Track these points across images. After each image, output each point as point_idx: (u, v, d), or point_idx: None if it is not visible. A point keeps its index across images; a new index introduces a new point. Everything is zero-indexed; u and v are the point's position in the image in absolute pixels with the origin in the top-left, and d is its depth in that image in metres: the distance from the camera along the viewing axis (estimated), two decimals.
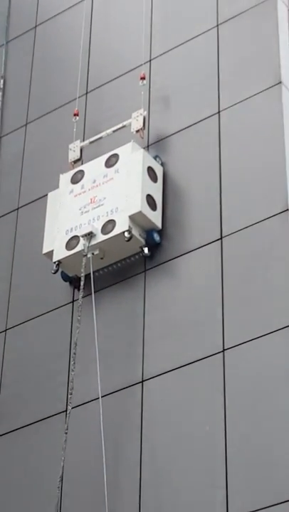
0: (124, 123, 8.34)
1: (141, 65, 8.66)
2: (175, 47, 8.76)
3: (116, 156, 8.06)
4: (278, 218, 7.13)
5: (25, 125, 9.70)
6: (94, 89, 9.16)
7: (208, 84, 8.29)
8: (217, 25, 8.35)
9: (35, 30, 10.26)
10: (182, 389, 7.04)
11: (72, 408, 7.15)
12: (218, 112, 8.03)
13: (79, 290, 7.70)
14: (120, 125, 8.38)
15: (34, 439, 7.73)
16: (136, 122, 8.19)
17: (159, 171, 8.05)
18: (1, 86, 10.07)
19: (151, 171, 7.93)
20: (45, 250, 8.13)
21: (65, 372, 7.70)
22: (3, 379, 8.29)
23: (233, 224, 7.47)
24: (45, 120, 9.55)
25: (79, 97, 8.92)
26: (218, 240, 7.50)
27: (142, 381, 7.27)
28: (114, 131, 8.43)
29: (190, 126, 8.22)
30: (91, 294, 7.64)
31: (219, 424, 6.56)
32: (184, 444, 6.77)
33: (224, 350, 6.88)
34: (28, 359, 8.27)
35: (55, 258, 7.95)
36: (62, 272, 8.05)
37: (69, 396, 7.19)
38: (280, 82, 7.64)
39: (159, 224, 7.82)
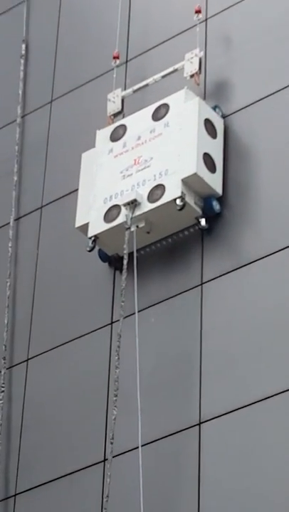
0: (176, 66, 7.00)
1: None
2: None
3: (166, 107, 6.73)
4: None
5: (51, 102, 8.32)
6: (137, 27, 7.73)
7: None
8: None
9: None
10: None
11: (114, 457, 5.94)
12: None
13: (121, 272, 6.53)
14: (171, 69, 7.03)
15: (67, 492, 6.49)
16: (190, 65, 6.82)
17: (219, 125, 6.70)
18: (23, 52, 8.54)
19: (209, 125, 6.59)
20: (78, 223, 6.83)
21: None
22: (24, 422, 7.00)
23: None
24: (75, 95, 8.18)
25: (119, 36, 7.45)
26: None
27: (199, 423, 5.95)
28: (163, 77, 7.06)
29: (259, 69, 6.84)
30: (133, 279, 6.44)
31: None
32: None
33: None
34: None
35: (91, 232, 6.67)
36: (99, 250, 6.80)
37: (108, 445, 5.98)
38: None
39: (219, 189, 6.53)
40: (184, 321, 6.32)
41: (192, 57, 6.83)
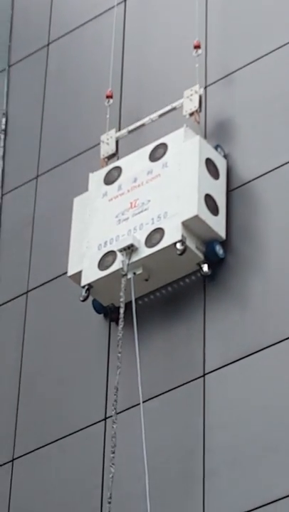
0: (174, 104, 6.81)
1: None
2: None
3: (164, 147, 6.51)
4: None
5: (36, 178, 8.07)
6: (132, 64, 7.55)
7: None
8: None
9: (47, 49, 8.66)
10: None
11: None
12: None
13: (117, 324, 6.18)
14: (169, 107, 6.83)
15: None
16: (189, 102, 6.63)
17: (221, 165, 6.49)
18: (3, 127, 8.34)
19: (211, 165, 6.39)
20: (70, 272, 6.54)
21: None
22: None
23: None
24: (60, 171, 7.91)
25: (113, 73, 7.26)
26: None
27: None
28: (160, 116, 6.87)
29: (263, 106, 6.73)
30: (133, 329, 6.15)
31: None
32: None
33: None
34: None
35: (85, 281, 6.38)
36: (94, 300, 6.48)
37: None
38: None
39: (222, 233, 6.28)
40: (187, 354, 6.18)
41: (191, 95, 6.60)
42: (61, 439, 6.49)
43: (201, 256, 6.15)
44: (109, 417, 6.12)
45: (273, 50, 6.57)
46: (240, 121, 6.61)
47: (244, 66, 6.72)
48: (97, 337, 6.57)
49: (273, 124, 6.43)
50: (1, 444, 6.81)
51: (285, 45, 6.62)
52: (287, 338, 5.66)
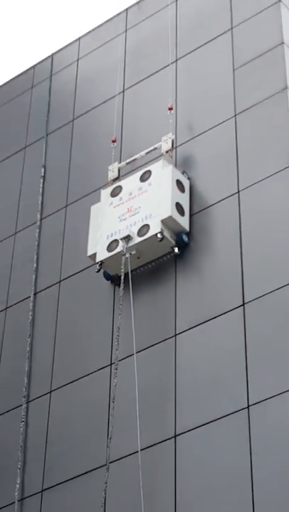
0: (156, 145, 9.78)
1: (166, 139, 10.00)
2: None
3: (149, 172, 9.45)
4: None
5: (66, 207, 11.01)
6: (128, 121, 10.83)
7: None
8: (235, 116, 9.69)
9: (72, 124, 11.75)
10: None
11: (111, 463, 8.05)
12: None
13: (119, 286, 8.98)
14: (152, 147, 9.84)
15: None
16: (165, 144, 9.61)
17: (186, 184, 9.39)
18: (42, 174, 11.47)
19: (179, 184, 9.27)
20: (89, 253, 9.43)
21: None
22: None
23: (251, 226, 8.76)
24: (83, 202, 10.73)
25: (116, 126, 10.46)
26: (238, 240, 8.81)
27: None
28: (146, 153, 9.93)
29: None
30: (129, 290, 8.93)
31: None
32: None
33: None
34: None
35: (98, 259, 9.24)
36: (104, 272, 9.36)
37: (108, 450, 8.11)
38: None
39: (187, 227, 9.11)
40: (163, 309, 8.94)
41: (167, 139, 9.64)
42: (77, 379, 9.20)
43: (173, 242, 8.89)
44: (112, 363, 8.70)
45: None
46: (198, 157, 9.71)
47: (203, 123, 9.86)
48: (105, 295, 9.48)
49: (221, 163, 9.45)
50: (40, 378, 9.61)
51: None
52: (237, 307, 8.19)
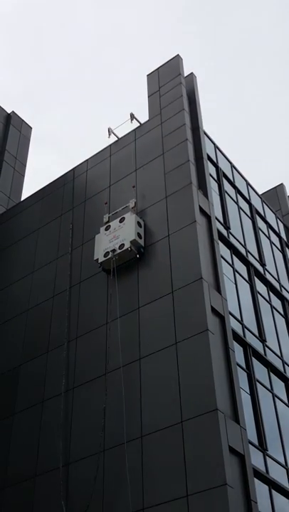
0: (126, 204, 19.50)
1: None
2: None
3: (123, 218, 19.01)
4: None
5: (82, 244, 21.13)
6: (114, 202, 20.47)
7: None
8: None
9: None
10: None
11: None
12: None
13: (110, 274, 18.32)
14: (124, 206, 19.56)
15: None
16: (132, 204, 19.22)
17: (142, 223, 18.83)
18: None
19: (139, 223, 18.72)
20: (95, 258, 18.79)
21: None
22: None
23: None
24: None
25: (107, 197, 20.26)
26: (165, 236, 18.11)
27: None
28: (123, 209, 19.58)
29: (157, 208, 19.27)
30: (115, 276, 18.18)
31: None
32: None
33: None
34: None
35: (99, 261, 18.65)
36: (102, 268, 18.65)
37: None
38: None
39: (143, 244, 18.41)
40: (129, 282, 18.48)
41: (132, 201, 19.29)
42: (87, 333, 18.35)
43: (136, 251, 18.16)
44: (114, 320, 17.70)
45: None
46: (148, 216, 19.17)
47: (148, 199, 19.60)
48: (103, 280, 18.66)
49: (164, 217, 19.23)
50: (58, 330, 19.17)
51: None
52: (175, 290, 16.64)
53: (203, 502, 12.88)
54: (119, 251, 18.23)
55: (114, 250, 18.30)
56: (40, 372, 18.45)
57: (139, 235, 18.41)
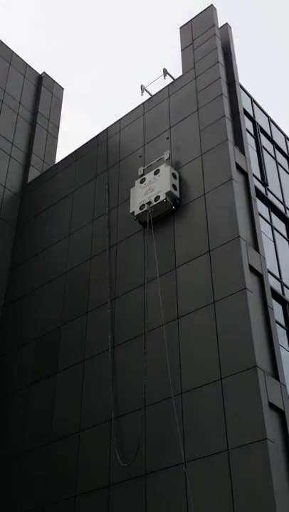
0: (161, 157, 19.47)
1: None
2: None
3: (158, 170, 19.03)
4: None
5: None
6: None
7: None
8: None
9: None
10: None
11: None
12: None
13: (146, 227, 18.30)
14: (159, 158, 19.55)
15: None
16: (166, 156, 19.17)
17: (177, 175, 18.87)
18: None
19: (173, 175, 18.73)
20: (131, 211, 18.90)
21: None
22: None
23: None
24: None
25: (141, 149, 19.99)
26: (201, 195, 17.88)
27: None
28: (157, 161, 19.58)
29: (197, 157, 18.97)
30: (151, 228, 18.14)
31: None
32: None
33: None
34: None
35: (135, 213, 18.72)
36: (138, 220, 18.70)
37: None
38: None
39: (178, 196, 18.46)
40: (167, 234, 18.30)
41: (166, 153, 19.29)
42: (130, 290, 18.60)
43: (171, 203, 18.22)
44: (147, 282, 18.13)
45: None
46: (182, 164, 19.02)
47: (189, 156, 19.34)
48: (138, 242, 18.62)
49: (199, 163, 18.98)
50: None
51: None
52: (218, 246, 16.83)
53: (244, 456, 13.09)
54: (154, 203, 18.11)
55: (149, 203, 18.17)
56: (80, 332, 18.67)
57: (174, 186, 18.22)
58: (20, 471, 17.64)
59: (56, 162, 25.92)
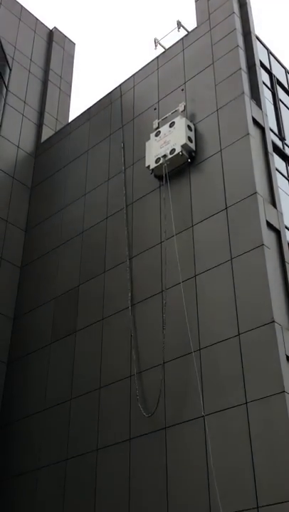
0: (176, 108, 19.31)
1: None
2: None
3: (173, 122, 18.92)
4: None
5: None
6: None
7: None
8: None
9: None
10: None
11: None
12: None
13: (162, 180, 18.12)
14: (174, 109, 19.35)
15: None
16: (181, 107, 18.93)
17: (192, 127, 18.76)
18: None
19: (189, 127, 18.61)
20: (146, 165, 18.86)
21: None
22: None
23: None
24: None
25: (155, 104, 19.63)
26: (217, 151, 17.57)
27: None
28: (172, 113, 19.36)
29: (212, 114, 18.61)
30: (168, 182, 18.01)
31: None
32: None
33: None
34: None
35: (151, 167, 18.70)
36: (154, 174, 18.59)
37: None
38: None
39: (194, 148, 18.39)
40: (182, 189, 18.02)
41: (181, 105, 19.15)
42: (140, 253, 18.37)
43: (187, 156, 18.18)
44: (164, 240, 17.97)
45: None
46: (198, 116, 18.73)
47: (201, 103, 18.98)
48: (155, 185, 18.65)
49: (214, 117, 18.61)
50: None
51: None
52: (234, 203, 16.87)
53: (263, 408, 13.20)
54: (170, 156, 17.95)
55: (165, 156, 18.00)
56: (98, 291, 18.69)
57: (189, 138, 18.03)
58: (42, 427, 17.85)
59: (70, 120, 25.57)
